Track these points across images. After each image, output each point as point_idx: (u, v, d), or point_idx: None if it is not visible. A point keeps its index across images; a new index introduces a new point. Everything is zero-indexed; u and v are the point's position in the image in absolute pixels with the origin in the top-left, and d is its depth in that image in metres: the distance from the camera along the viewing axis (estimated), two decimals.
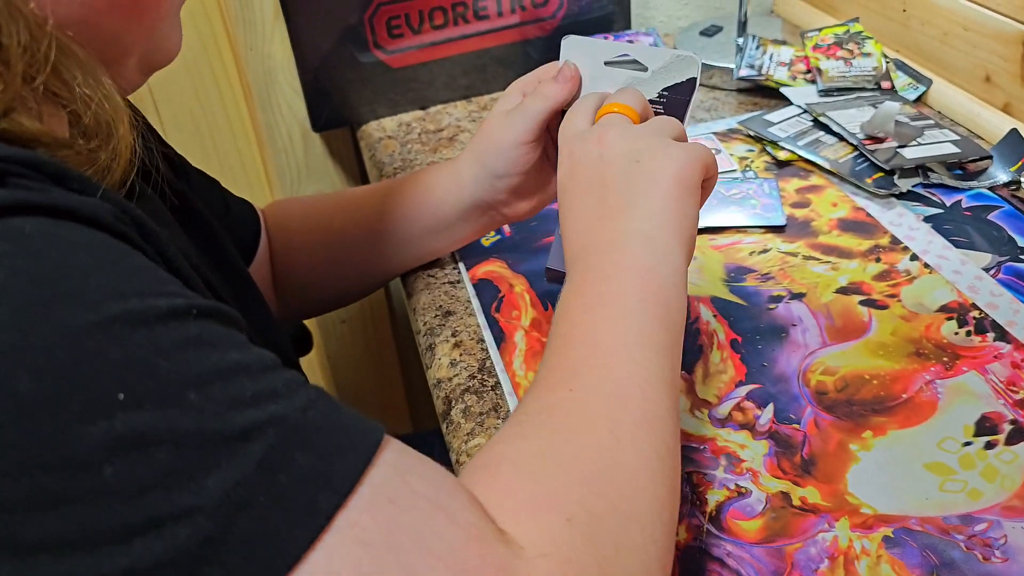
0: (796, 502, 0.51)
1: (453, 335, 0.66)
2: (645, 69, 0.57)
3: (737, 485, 0.52)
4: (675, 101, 0.58)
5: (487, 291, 0.70)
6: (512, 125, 0.61)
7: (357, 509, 0.30)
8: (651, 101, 0.57)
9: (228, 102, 1.09)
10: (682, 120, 0.57)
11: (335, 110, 1.00)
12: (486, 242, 0.76)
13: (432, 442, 0.68)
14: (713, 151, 0.87)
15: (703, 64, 1.02)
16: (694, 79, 0.57)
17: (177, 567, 0.27)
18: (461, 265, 0.74)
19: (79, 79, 0.36)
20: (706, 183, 0.50)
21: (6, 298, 0.27)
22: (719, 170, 0.83)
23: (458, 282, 0.72)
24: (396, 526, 0.30)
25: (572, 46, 0.60)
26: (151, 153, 0.47)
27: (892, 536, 0.48)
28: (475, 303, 0.69)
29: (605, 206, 0.48)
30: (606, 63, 0.59)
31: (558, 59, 0.60)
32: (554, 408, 0.40)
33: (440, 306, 0.70)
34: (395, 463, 0.32)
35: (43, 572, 0.26)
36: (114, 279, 0.29)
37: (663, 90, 0.57)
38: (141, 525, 0.26)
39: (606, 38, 1.02)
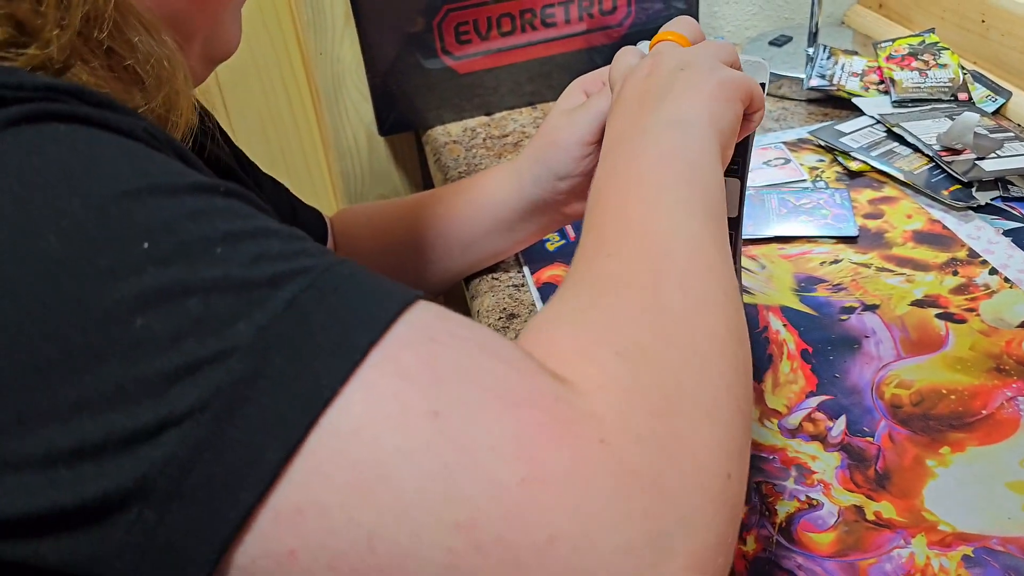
0: (870, 516, 0.49)
1: (517, 338, 0.66)
2: None
3: (808, 497, 0.51)
4: None
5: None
6: (576, 124, 0.60)
7: (395, 345, 0.29)
8: None
9: (296, 105, 1.11)
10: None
11: (401, 115, 1.01)
12: (551, 246, 0.76)
13: None
14: (781, 161, 0.86)
15: (772, 74, 1.01)
16: (763, 84, 0.56)
17: (213, 411, 0.26)
18: (526, 269, 0.74)
19: (141, 36, 0.36)
20: (753, 115, 0.50)
21: (36, 179, 0.28)
22: (787, 179, 0.82)
23: (522, 286, 0.72)
24: (438, 361, 0.29)
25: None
26: (207, 132, 0.47)
27: (972, 556, 0.47)
28: (539, 306, 0.69)
29: (642, 105, 0.47)
30: None
31: None
32: (593, 272, 0.38)
33: (504, 308, 0.69)
34: (433, 309, 0.31)
35: (84, 430, 0.26)
36: (141, 163, 0.30)
37: None
38: (174, 373, 0.26)
39: None
